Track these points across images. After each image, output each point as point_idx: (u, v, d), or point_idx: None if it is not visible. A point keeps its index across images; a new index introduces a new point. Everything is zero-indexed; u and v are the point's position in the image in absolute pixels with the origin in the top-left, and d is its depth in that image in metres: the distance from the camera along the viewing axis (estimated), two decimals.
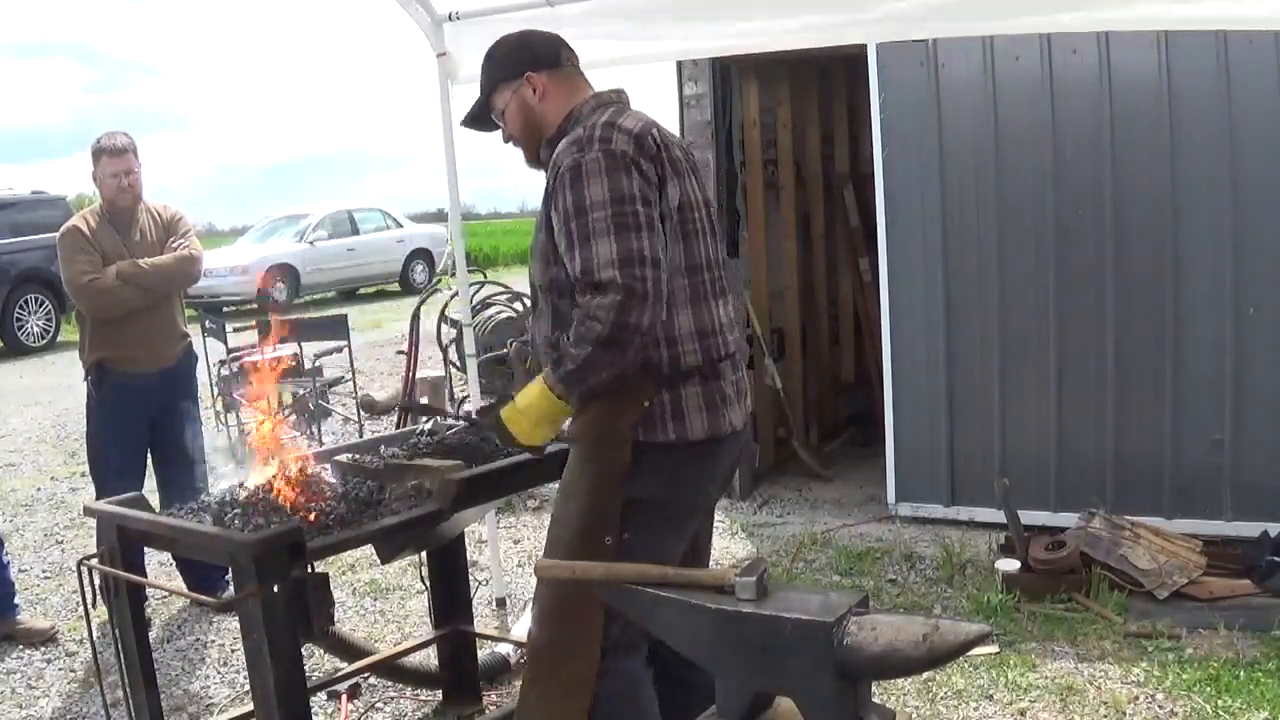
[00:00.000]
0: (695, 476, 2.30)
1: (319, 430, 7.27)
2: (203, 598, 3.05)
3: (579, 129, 2.23)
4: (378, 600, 4.41)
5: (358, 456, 2.81)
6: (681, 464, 2.26)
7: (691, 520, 2.36)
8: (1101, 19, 3.19)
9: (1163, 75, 4.20)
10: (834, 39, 3.47)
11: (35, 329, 13.34)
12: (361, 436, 6.77)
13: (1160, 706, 3.13)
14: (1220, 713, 3.06)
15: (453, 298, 6.44)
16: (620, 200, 2.10)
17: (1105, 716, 3.12)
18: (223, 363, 7.36)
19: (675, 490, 2.27)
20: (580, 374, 2.13)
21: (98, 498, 3.53)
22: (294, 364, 7.09)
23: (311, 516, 2.40)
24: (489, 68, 2.43)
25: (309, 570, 2.22)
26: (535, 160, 2.42)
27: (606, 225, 2.09)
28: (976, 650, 2.43)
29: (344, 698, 3.41)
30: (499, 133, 2.47)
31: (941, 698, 3.25)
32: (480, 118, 2.49)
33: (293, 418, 7.63)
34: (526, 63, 2.38)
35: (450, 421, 2.97)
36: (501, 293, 7.66)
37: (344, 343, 7.33)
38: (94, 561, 2.49)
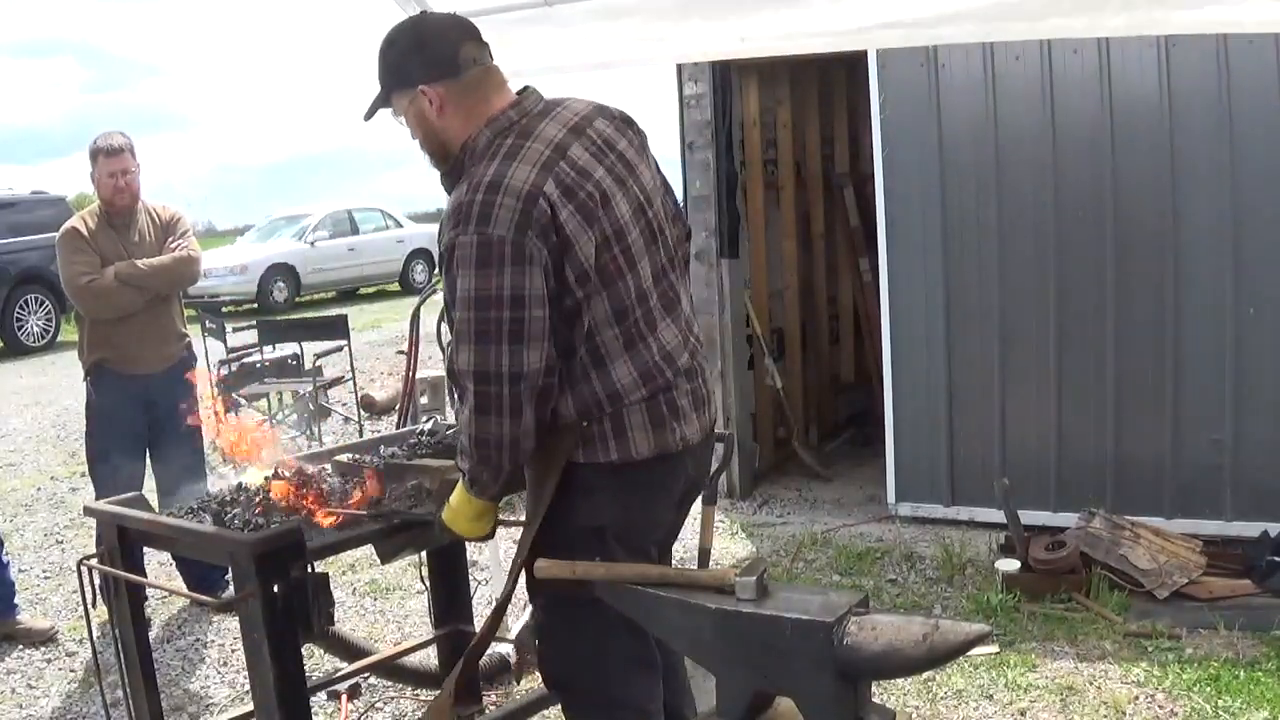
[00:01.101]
0: (645, 499, 2.15)
1: (319, 430, 7.27)
2: (203, 598, 3.05)
3: (463, 184, 2.02)
4: (378, 600, 4.41)
5: (357, 456, 2.81)
6: (627, 486, 2.10)
7: (647, 544, 2.20)
8: (1103, 26, 3.19)
9: (1163, 75, 4.20)
10: (835, 45, 3.47)
11: (35, 329, 13.34)
12: (361, 436, 6.76)
13: (1160, 706, 3.13)
14: (1220, 713, 3.06)
15: None
16: (485, 304, 1.93)
17: (1105, 716, 3.12)
18: (223, 363, 7.36)
19: (624, 513, 2.12)
20: (476, 484, 2.09)
21: (97, 498, 3.53)
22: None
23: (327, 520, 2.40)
24: (382, 69, 2.15)
25: (309, 570, 2.22)
26: (445, 177, 2.16)
27: (469, 330, 1.96)
28: (976, 650, 2.44)
29: (344, 698, 3.41)
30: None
31: (941, 698, 3.25)
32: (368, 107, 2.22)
33: (293, 418, 7.63)
34: (419, 72, 2.09)
35: (450, 422, 2.96)
36: None
37: (344, 343, 7.33)
38: (94, 561, 2.49)
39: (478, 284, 1.93)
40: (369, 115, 2.22)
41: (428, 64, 2.10)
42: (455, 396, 2.14)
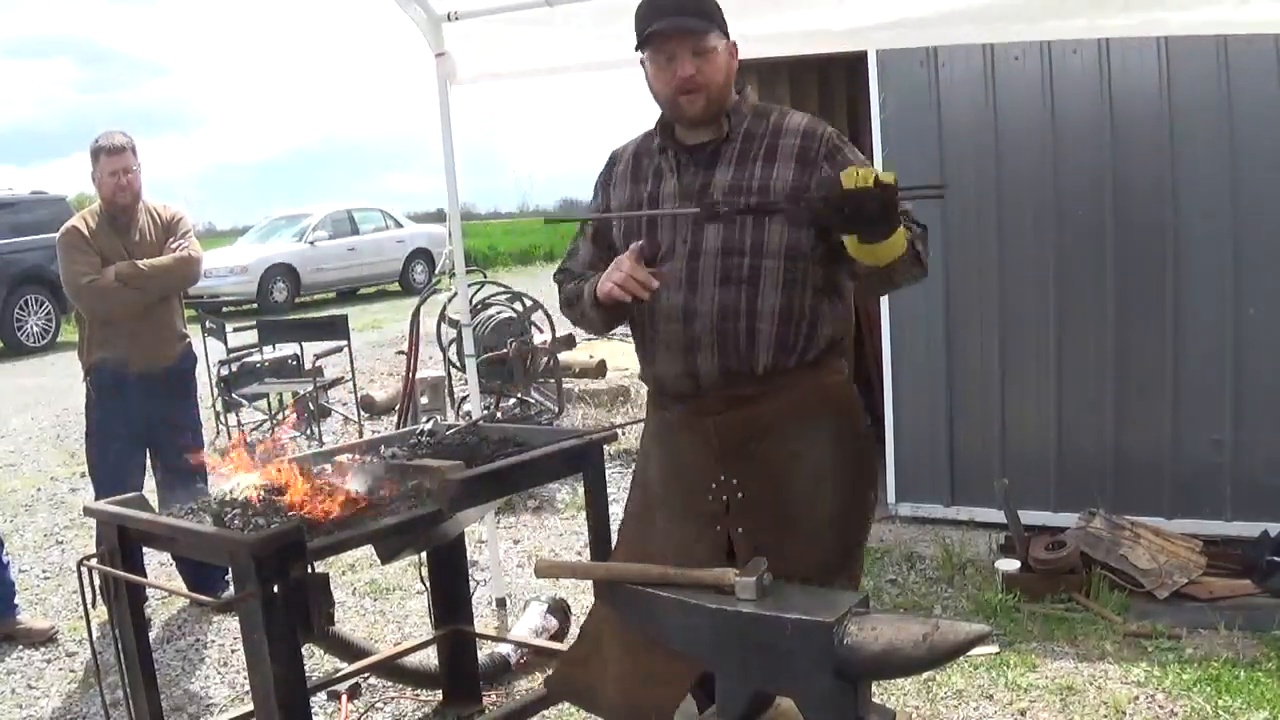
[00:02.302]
0: None
1: (319, 430, 7.27)
2: (203, 598, 3.05)
3: (795, 115, 2.29)
4: (378, 600, 4.41)
5: (357, 456, 2.82)
6: None
7: None
8: (1102, 27, 3.19)
9: (1163, 75, 4.20)
10: (836, 46, 3.47)
11: (35, 329, 13.33)
12: (361, 436, 6.77)
13: (1160, 706, 3.13)
14: (1220, 713, 3.06)
15: (453, 298, 6.44)
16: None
17: (1105, 716, 3.12)
18: (223, 363, 7.37)
19: None
20: (921, 262, 2.21)
21: (97, 498, 3.53)
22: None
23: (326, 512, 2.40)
24: (712, 7, 2.24)
25: (309, 570, 2.22)
26: (708, 114, 2.23)
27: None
28: (976, 650, 2.43)
29: (344, 698, 3.41)
30: (684, 60, 2.19)
31: (941, 698, 3.25)
32: (697, 26, 2.19)
33: (293, 418, 7.64)
34: (726, 27, 2.26)
35: (452, 422, 2.97)
36: (501, 293, 7.68)
37: (344, 343, 7.34)
38: (94, 561, 2.49)
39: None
40: (702, 29, 2.21)
41: (727, 25, 2.28)
42: (763, 274, 2.20)
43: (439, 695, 3.43)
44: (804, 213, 2.01)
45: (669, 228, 2.25)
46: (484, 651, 3.58)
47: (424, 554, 3.27)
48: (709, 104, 2.21)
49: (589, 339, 10.71)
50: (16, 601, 4.23)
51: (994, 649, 3.49)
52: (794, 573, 2.04)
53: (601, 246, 2.40)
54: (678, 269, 2.22)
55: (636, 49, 2.24)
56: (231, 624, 3.95)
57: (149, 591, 3.21)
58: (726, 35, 2.25)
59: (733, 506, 2.24)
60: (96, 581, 2.49)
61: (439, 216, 22.62)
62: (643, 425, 2.51)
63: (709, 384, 2.23)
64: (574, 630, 3.94)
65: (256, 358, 7.52)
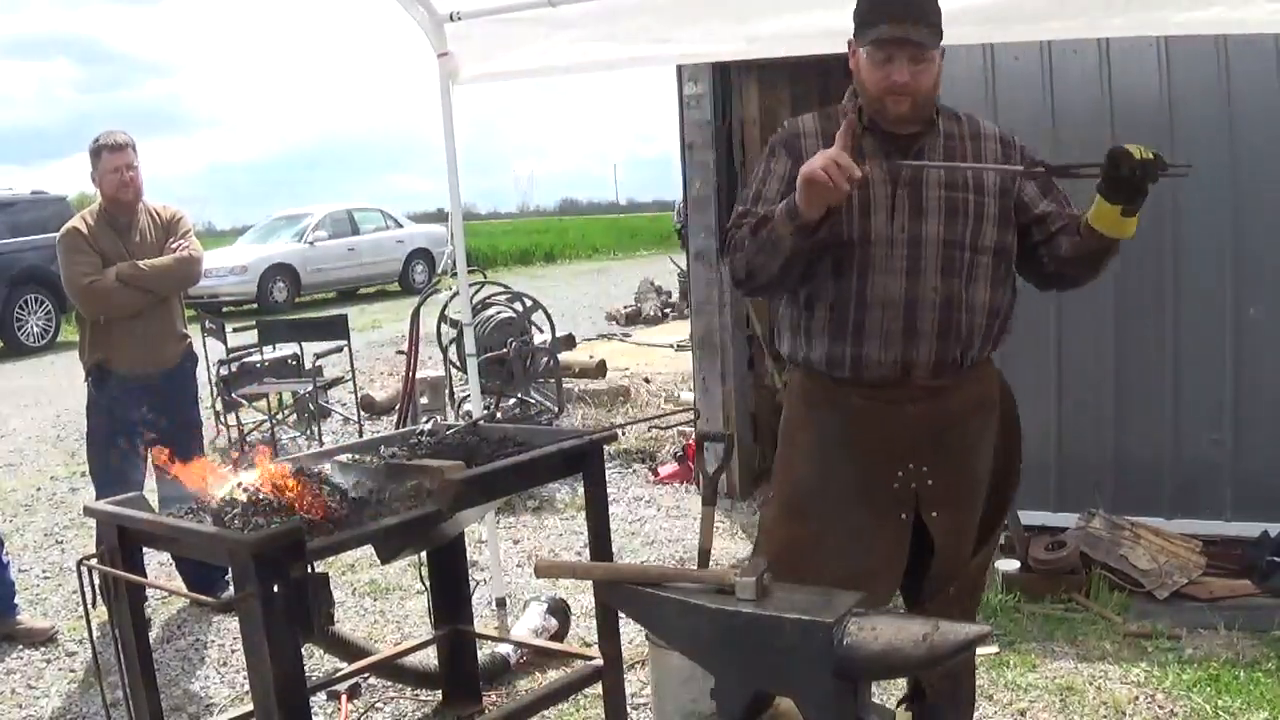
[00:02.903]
0: None
1: (319, 430, 7.27)
2: (203, 598, 3.04)
3: (987, 123, 2.39)
4: (378, 600, 4.41)
5: (358, 456, 2.81)
6: None
7: None
8: (1102, 26, 3.19)
9: (1163, 75, 4.20)
10: (837, 47, 3.46)
11: (35, 329, 13.33)
12: (361, 436, 6.77)
13: (1160, 706, 3.13)
14: (1220, 713, 3.06)
15: (453, 298, 6.45)
16: None
17: (1105, 716, 3.12)
18: (222, 363, 7.37)
19: None
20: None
21: (98, 498, 3.53)
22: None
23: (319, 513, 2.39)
24: (938, 18, 2.24)
25: (309, 570, 2.22)
26: (911, 117, 2.27)
27: None
28: (977, 650, 2.43)
29: (344, 698, 3.41)
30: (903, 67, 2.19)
31: None
32: (927, 38, 2.20)
33: (293, 418, 7.63)
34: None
35: (452, 422, 2.96)
36: (501, 293, 7.68)
37: (344, 343, 7.34)
38: (94, 561, 2.49)
39: None
40: (929, 44, 2.21)
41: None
42: (975, 271, 2.28)
43: (439, 695, 3.43)
44: (1110, 170, 2.08)
45: (884, 213, 2.26)
46: (484, 651, 3.58)
47: (424, 554, 3.27)
48: (914, 108, 2.25)
49: (589, 339, 10.72)
50: (16, 601, 4.23)
51: (994, 649, 3.49)
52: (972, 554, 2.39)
53: None
54: (898, 255, 2.25)
55: (854, 36, 2.26)
56: (231, 624, 3.95)
57: (149, 591, 3.21)
58: (941, 37, 2.25)
59: (922, 493, 2.31)
60: (96, 581, 2.49)
61: (439, 216, 22.66)
62: (787, 411, 2.49)
63: (920, 373, 2.28)
64: (574, 631, 3.94)
65: (256, 358, 7.52)
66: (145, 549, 2.55)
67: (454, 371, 7.09)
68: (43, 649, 4.06)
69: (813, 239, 2.16)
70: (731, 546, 4.84)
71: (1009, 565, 3.99)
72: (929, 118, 2.31)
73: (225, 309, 14.65)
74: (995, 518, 2.48)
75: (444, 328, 7.08)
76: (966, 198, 2.28)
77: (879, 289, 2.26)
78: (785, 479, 2.45)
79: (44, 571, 4.97)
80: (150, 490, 3.86)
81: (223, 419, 7.48)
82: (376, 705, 3.47)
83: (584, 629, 3.95)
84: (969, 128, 2.36)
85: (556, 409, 7.05)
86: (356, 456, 2.81)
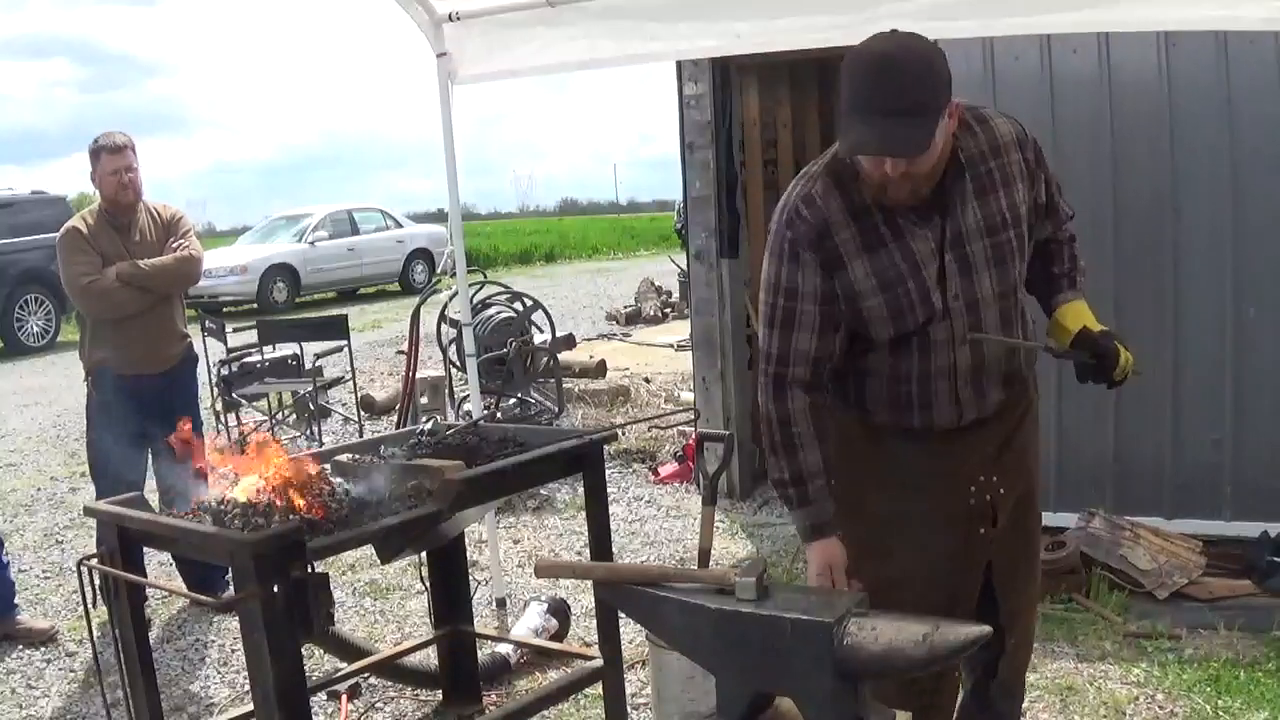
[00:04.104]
0: None
1: (319, 430, 7.27)
2: (203, 598, 3.04)
3: (989, 127, 2.18)
4: (378, 600, 4.41)
5: (357, 456, 2.81)
6: None
7: None
8: (1101, 20, 3.19)
9: (1163, 75, 4.19)
10: (834, 40, 3.46)
11: (35, 329, 13.34)
12: (361, 436, 6.77)
13: (1160, 706, 3.13)
14: (1220, 713, 3.06)
15: (453, 298, 6.44)
16: None
17: (1105, 716, 3.12)
18: (223, 363, 7.37)
19: None
20: None
21: (98, 498, 3.53)
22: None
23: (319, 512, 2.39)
24: (938, 88, 1.97)
25: (309, 570, 2.22)
26: (916, 196, 2.07)
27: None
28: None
29: (344, 698, 3.41)
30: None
31: None
32: (910, 140, 1.95)
33: (293, 418, 7.63)
34: (948, 91, 2.00)
35: (452, 422, 2.96)
36: (501, 293, 7.68)
37: (344, 343, 7.33)
38: (94, 561, 2.49)
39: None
40: (925, 147, 1.97)
41: (950, 88, 2.01)
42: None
43: (439, 695, 3.43)
44: (1089, 358, 2.38)
45: (938, 290, 2.12)
46: (484, 651, 3.58)
47: (424, 554, 3.27)
48: (916, 189, 2.05)
49: (589, 339, 10.73)
50: (16, 601, 4.23)
51: None
52: (1032, 551, 2.42)
53: (830, 331, 2.15)
54: (959, 324, 2.14)
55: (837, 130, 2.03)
56: (231, 624, 3.95)
57: (149, 591, 3.21)
58: (948, 105, 1.99)
59: (997, 505, 2.29)
60: (96, 581, 2.49)
61: (439, 216, 22.65)
62: (844, 445, 2.28)
63: (987, 414, 2.27)
64: (574, 631, 3.94)
65: (256, 358, 7.52)
66: (145, 549, 2.55)
67: (454, 371, 7.09)
68: (43, 649, 4.06)
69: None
70: (731, 546, 4.84)
71: None
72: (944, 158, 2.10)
73: (225, 309, 14.65)
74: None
75: (444, 328, 7.07)
76: (1009, 235, 2.16)
77: (944, 361, 2.16)
78: (857, 516, 2.26)
79: (44, 571, 4.97)
80: (150, 490, 3.87)
81: (223, 419, 7.48)
82: (376, 705, 3.47)
83: (584, 629, 3.95)
84: (986, 140, 2.15)
85: (556, 409, 7.05)
86: (356, 456, 2.81)
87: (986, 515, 2.28)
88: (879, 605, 1.97)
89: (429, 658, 3.50)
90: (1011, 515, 2.34)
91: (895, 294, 2.10)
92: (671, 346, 9.79)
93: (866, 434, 2.29)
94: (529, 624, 3.82)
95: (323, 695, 3.39)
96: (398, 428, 6.18)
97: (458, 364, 6.86)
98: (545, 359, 7.09)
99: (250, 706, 2.53)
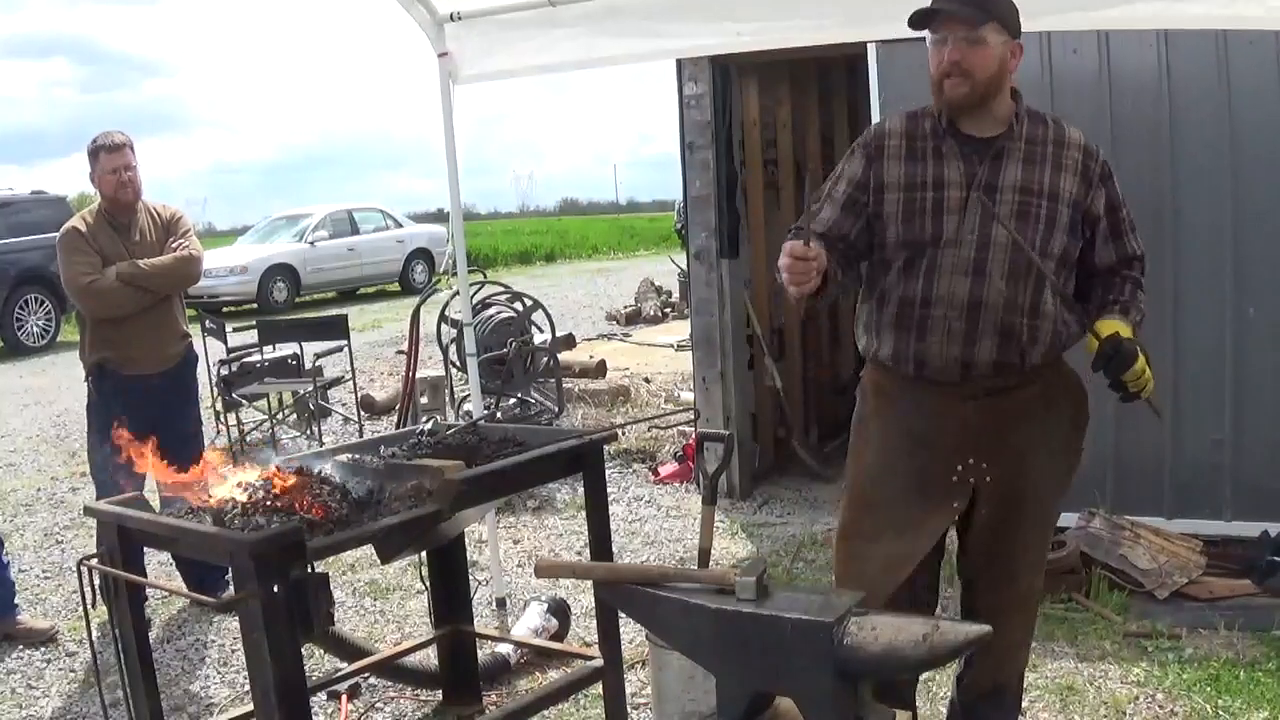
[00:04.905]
0: None
1: (319, 430, 7.27)
2: (203, 598, 3.05)
3: (1076, 131, 2.39)
4: (378, 600, 4.41)
5: (357, 456, 2.81)
6: None
7: None
8: (1100, 19, 3.19)
9: (1163, 75, 4.19)
10: (833, 38, 3.47)
11: (35, 329, 13.33)
12: (361, 436, 6.77)
13: (1160, 706, 3.13)
14: (1220, 713, 3.06)
15: (453, 298, 6.44)
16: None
17: (1105, 716, 3.12)
18: (223, 363, 7.37)
19: None
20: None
21: (98, 498, 3.53)
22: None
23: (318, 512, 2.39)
24: (997, 5, 2.30)
25: (309, 570, 2.22)
26: (969, 101, 2.33)
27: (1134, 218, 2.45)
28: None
29: (344, 698, 3.41)
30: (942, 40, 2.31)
31: (941, 698, 3.25)
32: (957, 9, 2.28)
33: (293, 418, 7.64)
34: (1016, 27, 2.33)
35: (452, 422, 2.96)
36: (501, 293, 7.67)
37: (344, 343, 7.33)
38: (94, 561, 2.49)
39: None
40: (970, 18, 2.27)
41: (1019, 26, 2.33)
42: (1019, 269, 2.30)
43: (439, 695, 3.43)
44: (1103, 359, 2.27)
45: (956, 216, 2.31)
46: (484, 651, 3.58)
47: (424, 554, 3.27)
48: (971, 92, 2.30)
49: (589, 339, 10.72)
50: (16, 601, 4.23)
51: None
52: (1017, 550, 2.42)
53: (851, 214, 2.43)
54: (965, 257, 2.29)
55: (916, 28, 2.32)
56: (231, 624, 3.95)
57: (149, 591, 3.22)
58: (1010, 33, 2.29)
59: (980, 489, 2.38)
60: (96, 581, 2.49)
61: (439, 216, 22.65)
62: (860, 404, 2.55)
63: (980, 372, 2.33)
64: (574, 631, 3.94)
65: (256, 358, 7.52)
66: (145, 549, 2.55)
67: (454, 371, 7.09)
68: (43, 649, 4.06)
69: (821, 300, 2.29)
70: (731, 546, 4.84)
71: None
72: (1005, 117, 2.34)
73: (225, 309, 14.64)
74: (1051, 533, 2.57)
75: (444, 328, 7.08)
76: (1040, 203, 2.30)
77: (944, 288, 2.32)
78: (855, 469, 2.53)
79: (44, 571, 4.97)
80: (150, 490, 3.87)
81: (223, 419, 7.48)
82: (376, 705, 3.47)
83: (584, 629, 3.95)
84: (1054, 133, 2.37)
85: (556, 409, 7.05)
86: (356, 456, 2.81)
87: (965, 495, 2.39)
88: (845, 549, 2.48)
89: (429, 658, 3.50)
90: (996, 511, 2.40)
91: (913, 196, 2.34)
92: (671, 346, 9.79)
93: (877, 391, 2.50)
94: (529, 624, 3.82)
95: (323, 695, 3.39)
96: (398, 428, 6.18)
97: (458, 364, 6.86)
98: (545, 359, 7.09)
99: (250, 706, 2.53)
